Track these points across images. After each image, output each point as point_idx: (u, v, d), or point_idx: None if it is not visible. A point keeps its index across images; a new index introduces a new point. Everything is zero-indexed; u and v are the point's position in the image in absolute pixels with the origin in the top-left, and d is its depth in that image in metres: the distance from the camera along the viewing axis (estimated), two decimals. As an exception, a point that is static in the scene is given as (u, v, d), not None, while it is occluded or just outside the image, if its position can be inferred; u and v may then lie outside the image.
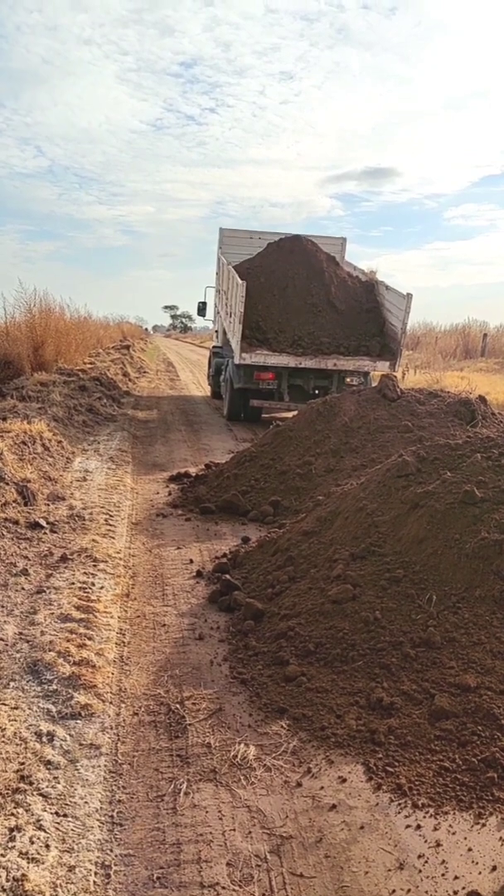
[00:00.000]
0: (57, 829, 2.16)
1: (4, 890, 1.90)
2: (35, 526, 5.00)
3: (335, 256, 12.11)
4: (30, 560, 4.42)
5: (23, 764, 2.44)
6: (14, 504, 5.21)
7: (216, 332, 14.91)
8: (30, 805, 2.24)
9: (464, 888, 1.99)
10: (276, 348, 10.07)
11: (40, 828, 2.15)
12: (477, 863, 2.08)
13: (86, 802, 2.30)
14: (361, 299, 11.04)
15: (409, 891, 1.97)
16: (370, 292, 11.18)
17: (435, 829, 2.21)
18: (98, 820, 2.23)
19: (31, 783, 2.34)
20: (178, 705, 2.89)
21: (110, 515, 5.55)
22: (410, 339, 21.62)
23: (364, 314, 10.84)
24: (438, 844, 2.14)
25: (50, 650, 3.21)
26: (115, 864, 2.05)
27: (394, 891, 1.97)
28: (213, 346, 14.84)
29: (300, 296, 10.70)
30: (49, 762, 2.47)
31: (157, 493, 6.51)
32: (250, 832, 2.20)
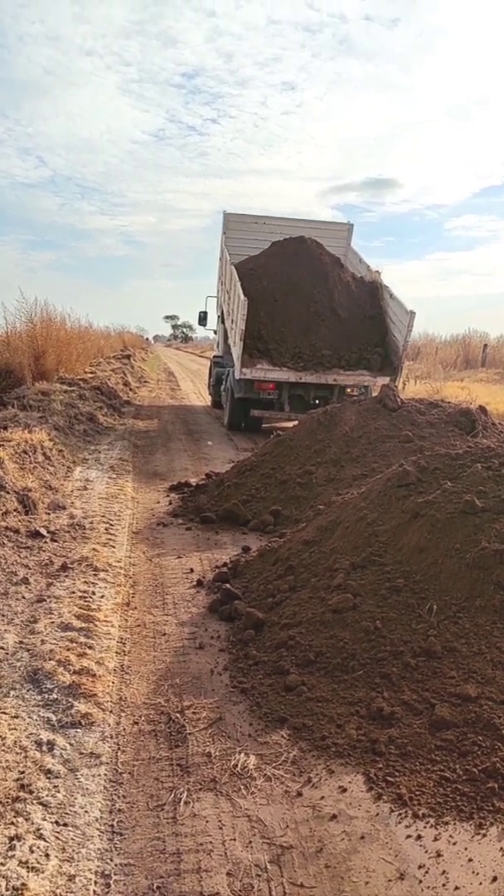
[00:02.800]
0: (57, 838, 2.16)
1: (4, 899, 1.90)
2: (36, 535, 5.01)
3: (339, 257, 11.90)
4: (30, 569, 4.42)
5: (23, 773, 2.44)
6: (15, 513, 5.22)
7: (217, 343, 14.93)
8: (30, 814, 2.23)
9: (464, 899, 1.98)
10: (276, 362, 9.96)
11: (40, 837, 2.15)
12: (477, 873, 2.08)
13: (86, 811, 2.30)
14: (365, 305, 10.88)
15: (409, 901, 1.97)
16: (374, 296, 11.01)
17: (435, 840, 2.20)
18: (98, 829, 2.23)
19: (31, 792, 2.34)
20: (178, 714, 2.89)
21: (111, 524, 5.55)
22: (411, 350, 21.67)
23: (367, 321, 10.71)
24: (439, 855, 2.14)
25: (50, 659, 3.21)
26: (115, 874, 2.05)
27: (394, 901, 1.97)
28: (214, 356, 14.86)
29: (303, 302, 10.52)
30: (49, 771, 2.46)
31: (158, 502, 6.51)
32: (250, 842, 2.19)
